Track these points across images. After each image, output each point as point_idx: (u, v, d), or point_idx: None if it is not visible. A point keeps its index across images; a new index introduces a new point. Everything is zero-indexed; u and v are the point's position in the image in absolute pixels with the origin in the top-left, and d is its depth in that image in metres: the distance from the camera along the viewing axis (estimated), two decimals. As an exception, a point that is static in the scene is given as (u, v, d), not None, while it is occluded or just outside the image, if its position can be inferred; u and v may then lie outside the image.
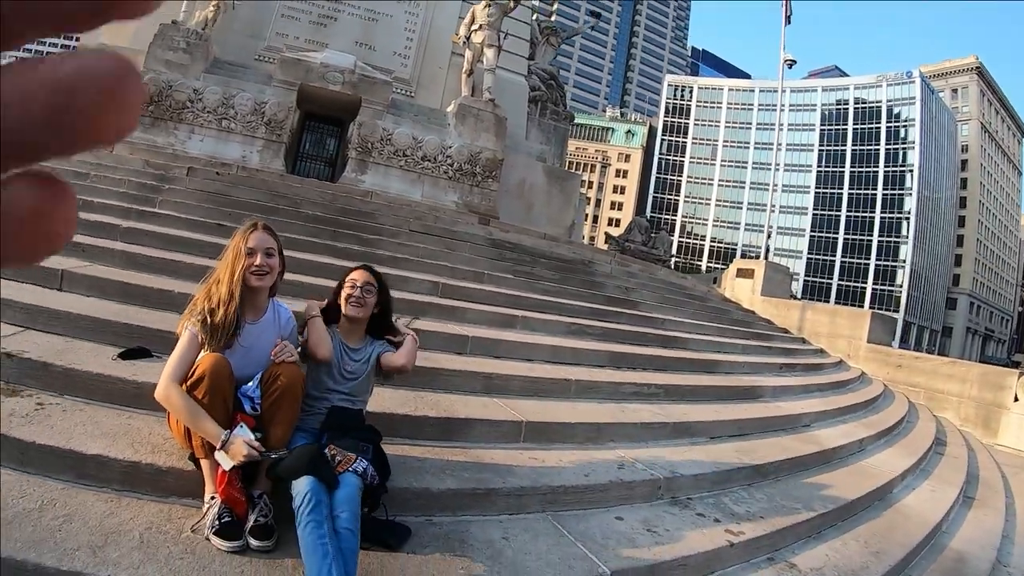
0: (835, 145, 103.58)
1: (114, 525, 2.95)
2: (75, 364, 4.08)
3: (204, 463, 3.15)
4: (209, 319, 3.28)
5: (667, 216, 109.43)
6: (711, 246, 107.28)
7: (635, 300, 11.77)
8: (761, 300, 17.50)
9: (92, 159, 10.74)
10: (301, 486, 2.90)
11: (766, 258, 23.66)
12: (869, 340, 15.61)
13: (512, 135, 18.11)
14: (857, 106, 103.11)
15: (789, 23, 24.96)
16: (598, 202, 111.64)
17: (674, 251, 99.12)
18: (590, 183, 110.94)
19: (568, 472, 4.58)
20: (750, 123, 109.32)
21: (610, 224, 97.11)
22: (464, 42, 17.48)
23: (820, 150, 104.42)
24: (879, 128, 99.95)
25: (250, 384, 3.34)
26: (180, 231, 7.99)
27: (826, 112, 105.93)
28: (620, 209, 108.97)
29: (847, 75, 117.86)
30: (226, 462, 3.01)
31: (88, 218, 7.58)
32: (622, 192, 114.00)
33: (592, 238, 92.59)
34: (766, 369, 10.36)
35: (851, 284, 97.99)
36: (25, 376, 3.98)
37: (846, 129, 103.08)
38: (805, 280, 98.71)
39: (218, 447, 3.03)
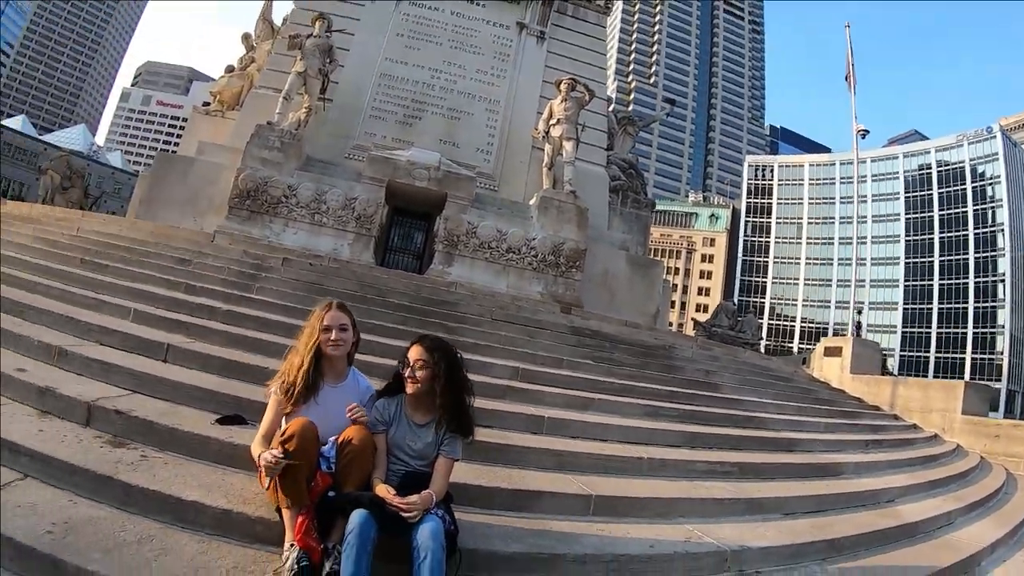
0: (921, 212, 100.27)
1: (204, 562, 3.39)
2: (178, 425, 4.67)
3: (285, 513, 3.54)
4: (286, 381, 3.91)
5: (755, 299, 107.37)
6: (801, 327, 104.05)
7: (715, 383, 11.61)
8: (851, 378, 17.03)
9: (195, 248, 11.71)
10: (354, 519, 3.31)
11: (856, 335, 23.00)
12: (964, 411, 14.90)
13: (594, 225, 18.42)
14: (940, 169, 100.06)
15: (854, 91, 24.81)
16: (685, 288, 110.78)
17: (763, 334, 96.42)
18: (676, 269, 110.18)
19: (634, 543, 4.66)
20: (833, 198, 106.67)
21: (698, 310, 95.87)
22: (543, 136, 18.06)
23: (907, 218, 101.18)
24: (964, 189, 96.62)
25: (327, 445, 3.75)
26: (275, 315, 8.61)
27: (909, 179, 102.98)
28: (707, 295, 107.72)
29: (927, 138, 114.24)
30: (265, 475, 3.55)
31: (192, 300, 8.49)
32: (709, 277, 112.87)
33: (681, 325, 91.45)
34: (850, 447, 10.12)
35: (949, 356, 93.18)
36: (132, 432, 4.60)
37: (931, 194, 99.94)
38: (901, 355, 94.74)
39: (256, 462, 3.61)
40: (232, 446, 4.53)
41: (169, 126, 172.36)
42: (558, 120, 17.75)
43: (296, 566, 3.30)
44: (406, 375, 3.95)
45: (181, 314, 7.84)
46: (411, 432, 3.97)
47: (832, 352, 18.38)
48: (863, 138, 25.26)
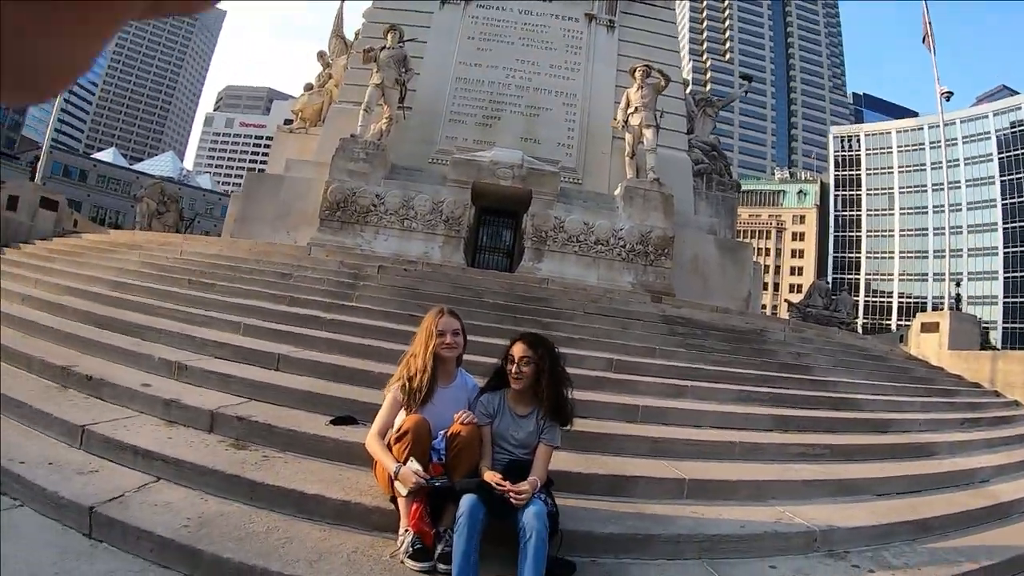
0: (1018, 173, 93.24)
1: (327, 548, 3.75)
2: (295, 427, 5.05)
3: (400, 502, 3.86)
4: (408, 384, 4.16)
5: (850, 276, 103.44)
6: (899, 302, 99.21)
7: (807, 365, 11.46)
8: (949, 355, 16.23)
9: (293, 262, 12.21)
10: (464, 503, 3.57)
11: (958, 309, 22.02)
12: None
13: (680, 211, 18.26)
14: None
15: (934, 52, 23.72)
16: (777, 269, 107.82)
17: (860, 311, 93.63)
18: (766, 250, 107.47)
19: (725, 523, 4.80)
20: (924, 165, 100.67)
21: (791, 291, 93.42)
22: (623, 126, 17.97)
23: (1002, 180, 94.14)
24: None
25: (437, 439, 4.07)
26: (376, 321, 9.00)
27: (1001, 138, 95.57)
28: (800, 274, 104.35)
29: (1016, 92, 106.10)
30: (401, 488, 3.77)
31: (296, 312, 8.94)
32: (800, 256, 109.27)
33: (775, 307, 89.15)
34: (945, 426, 9.84)
35: None
36: (252, 435, 5.00)
37: None
38: (1004, 328, 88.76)
39: (393, 477, 3.80)
40: (347, 444, 4.86)
41: (254, 145, 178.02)
42: (636, 108, 17.62)
43: (411, 548, 3.65)
44: (512, 371, 4.16)
45: (288, 325, 8.24)
46: (514, 423, 4.19)
47: (929, 328, 17.60)
48: (947, 100, 24.11)
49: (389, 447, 3.96)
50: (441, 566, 3.58)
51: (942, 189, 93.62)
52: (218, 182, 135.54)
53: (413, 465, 3.74)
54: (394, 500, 3.95)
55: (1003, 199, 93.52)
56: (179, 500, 3.98)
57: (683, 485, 5.30)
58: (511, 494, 3.63)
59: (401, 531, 3.78)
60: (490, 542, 3.56)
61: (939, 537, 5.50)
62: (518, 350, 4.18)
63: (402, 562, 3.65)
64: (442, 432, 4.08)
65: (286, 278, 10.97)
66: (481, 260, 17.96)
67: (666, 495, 5.20)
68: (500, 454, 4.13)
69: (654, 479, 5.31)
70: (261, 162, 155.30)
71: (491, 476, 3.82)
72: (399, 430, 3.95)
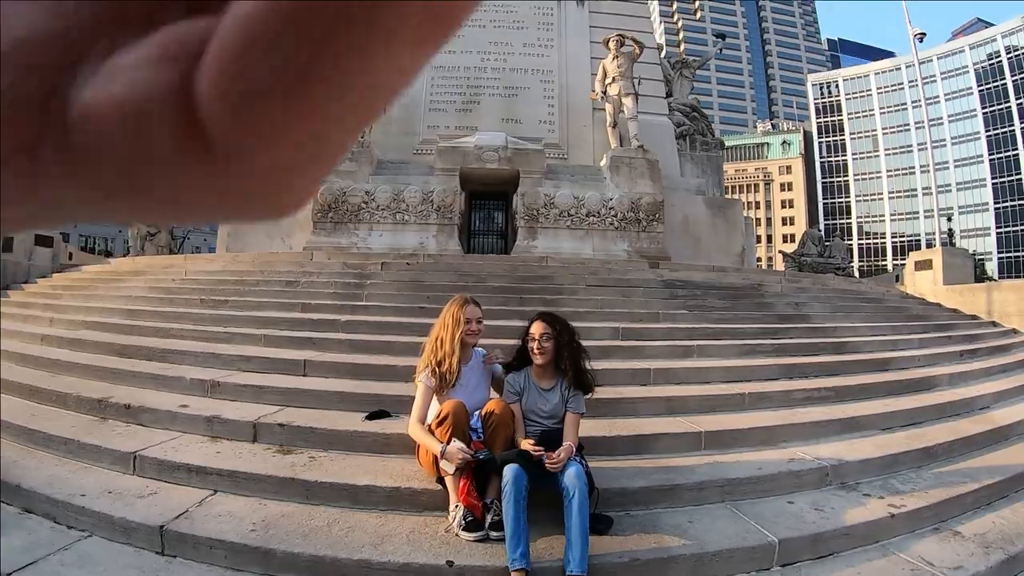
0: (998, 104, 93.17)
1: (386, 531, 4.09)
2: (334, 426, 5.36)
3: (448, 480, 4.18)
4: (438, 368, 4.48)
5: (842, 220, 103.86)
6: (893, 242, 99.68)
7: (805, 314, 11.81)
8: (944, 290, 16.48)
9: (297, 268, 12.44)
10: (508, 472, 3.86)
11: (951, 244, 22.25)
12: None
13: (667, 175, 18.45)
14: (1010, 56, 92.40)
15: None
16: (769, 221, 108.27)
17: (855, 254, 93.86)
18: (756, 203, 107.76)
19: (743, 467, 5.20)
20: (905, 104, 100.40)
21: (785, 241, 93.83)
22: (602, 96, 18.20)
23: (984, 113, 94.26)
24: None
25: (472, 419, 4.41)
26: (388, 317, 9.31)
27: (979, 71, 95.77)
28: (792, 224, 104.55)
29: (992, 24, 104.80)
30: (448, 467, 4.09)
31: (311, 317, 9.24)
32: (791, 205, 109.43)
33: (770, 259, 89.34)
34: (944, 359, 10.10)
35: None
36: (295, 439, 5.30)
37: (1004, 84, 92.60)
38: (999, 258, 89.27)
39: (439, 457, 4.10)
40: (385, 436, 5.22)
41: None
42: (613, 78, 17.84)
43: (464, 521, 3.98)
44: (534, 348, 4.49)
45: (306, 331, 8.48)
46: (540, 397, 4.51)
47: (922, 266, 17.85)
48: (920, 41, 24.30)
49: (430, 431, 4.27)
50: (493, 533, 3.91)
51: (924, 127, 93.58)
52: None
53: (457, 443, 4.06)
54: (440, 481, 4.28)
55: (986, 131, 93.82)
56: (240, 508, 4.26)
57: (700, 438, 5.65)
58: (548, 461, 3.95)
59: (451, 507, 4.11)
60: (533, 508, 3.85)
61: (944, 463, 5.83)
62: (537, 328, 4.51)
63: (457, 535, 3.97)
64: (477, 412, 4.44)
65: (294, 285, 11.19)
66: (476, 244, 18.21)
67: (685, 448, 5.54)
68: (532, 427, 4.42)
69: (673, 435, 5.65)
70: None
71: (527, 444, 4.12)
72: (439, 415, 4.25)
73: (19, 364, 7.92)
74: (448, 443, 4.09)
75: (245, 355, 7.37)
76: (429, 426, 4.32)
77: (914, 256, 18.83)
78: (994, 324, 14.53)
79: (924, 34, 24.22)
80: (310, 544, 3.84)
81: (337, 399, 6.07)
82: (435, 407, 4.43)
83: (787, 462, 5.30)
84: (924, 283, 17.44)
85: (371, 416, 5.60)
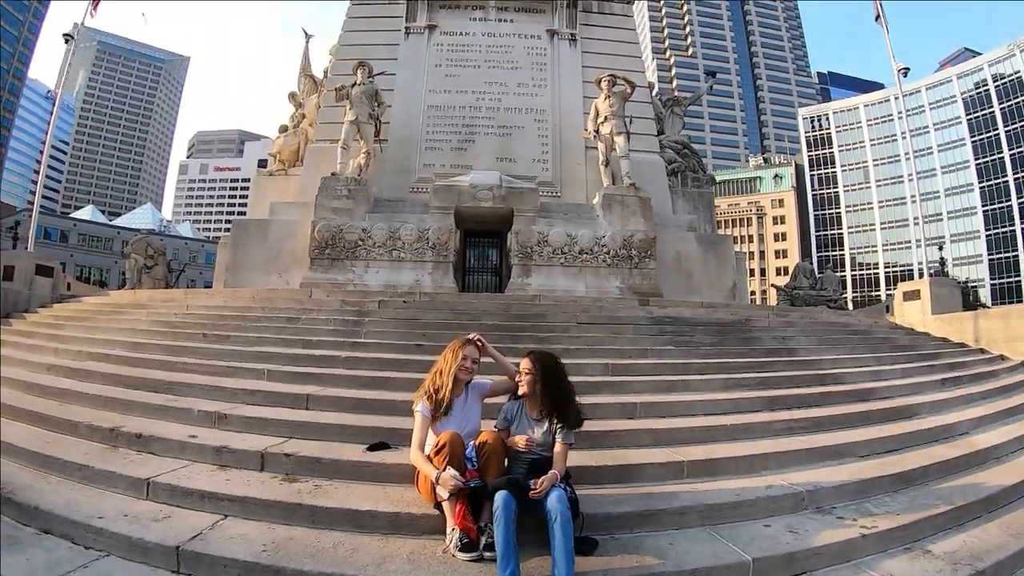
0: (986, 132, 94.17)
1: (388, 552, 4.45)
2: (338, 456, 5.78)
3: (445, 505, 4.56)
4: (435, 395, 5.04)
5: (835, 252, 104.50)
6: (886, 272, 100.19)
7: (791, 347, 12.00)
8: (933, 319, 16.74)
9: (297, 305, 12.83)
10: (498, 498, 4.24)
11: (943, 273, 22.52)
12: None
13: (659, 212, 18.90)
14: (997, 84, 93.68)
15: (887, 28, 24.35)
16: (762, 254, 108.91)
17: (848, 285, 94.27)
18: (749, 237, 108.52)
19: (723, 494, 5.50)
20: (895, 135, 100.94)
21: (778, 273, 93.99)
22: (595, 136, 18.61)
23: (973, 142, 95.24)
24: None
25: (468, 449, 4.76)
26: (386, 354, 9.63)
27: (967, 100, 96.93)
28: (785, 256, 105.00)
29: (979, 53, 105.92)
30: (443, 492, 4.49)
31: (311, 353, 9.63)
32: (784, 239, 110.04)
33: (764, 292, 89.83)
34: (926, 388, 10.31)
35: None
36: (300, 469, 5.66)
37: (992, 112, 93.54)
38: (992, 284, 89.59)
39: (435, 483, 4.51)
40: (385, 466, 5.58)
41: (231, 188, 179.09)
42: (605, 117, 18.31)
43: (460, 543, 4.35)
44: (518, 380, 5.05)
45: (307, 367, 8.84)
46: (529, 425, 4.96)
47: (911, 296, 18.14)
48: (904, 76, 24.81)
49: (429, 460, 4.66)
50: (487, 554, 4.26)
51: (916, 156, 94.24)
52: (199, 229, 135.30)
53: (451, 471, 4.45)
54: (438, 506, 4.65)
55: (976, 159, 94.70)
56: (251, 531, 4.56)
57: (683, 467, 5.95)
58: (532, 491, 4.33)
59: (448, 530, 4.49)
60: (526, 531, 4.21)
61: (919, 487, 6.11)
62: (524, 365, 5.08)
63: (453, 555, 4.33)
64: (471, 442, 4.82)
65: (294, 322, 11.49)
66: (471, 282, 18.57)
67: (668, 477, 5.86)
68: (524, 455, 4.80)
69: (657, 464, 5.99)
70: (240, 204, 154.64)
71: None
72: (437, 444, 4.67)
73: (27, 392, 8.22)
74: (444, 470, 4.46)
75: (249, 389, 7.69)
76: (428, 455, 4.69)
77: (903, 287, 19.11)
78: (982, 351, 14.71)
79: (908, 69, 24.67)
80: (318, 563, 4.16)
81: (339, 431, 6.41)
82: (432, 438, 4.83)
83: (765, 488, 5.59)
84: (913, 313, 17.70)
85: (372, 448, 5.95)
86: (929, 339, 15.45)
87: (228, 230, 21.72)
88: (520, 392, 5.08)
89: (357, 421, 6.68)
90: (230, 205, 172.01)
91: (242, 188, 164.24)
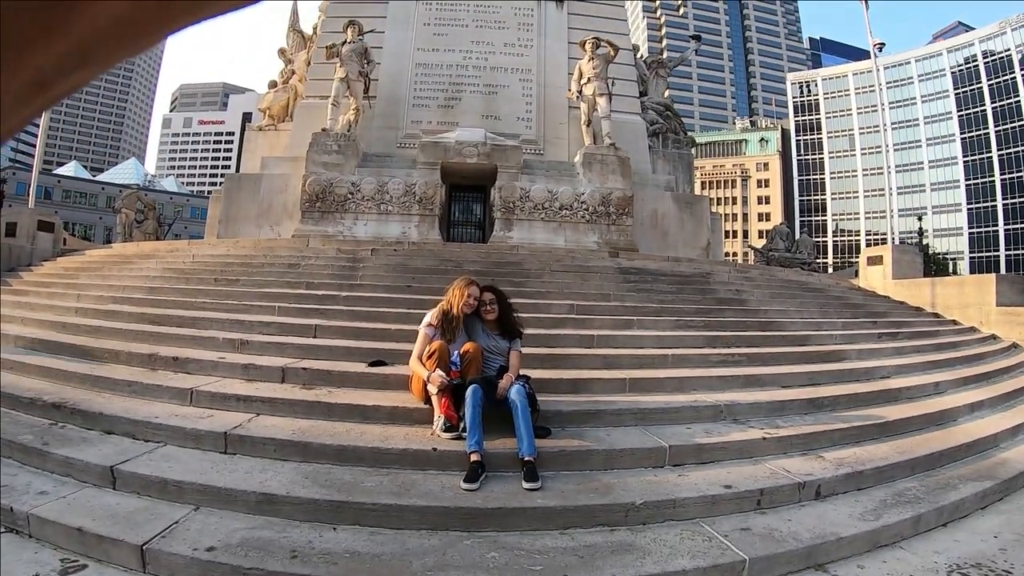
0: (973, 107, 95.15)
1: (389, 434, 5.62)
2: (345, 370, 7.07)
3: (433, 400, 5.73)
4: (444, 317, 6.16)
5: (818, 217, 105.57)
6: (867, 239, 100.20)
7: (744, 299, 12.86)
8: (894, 284, 17.50)
9: (297, 253, 13.75)
10: (469, 390, 5.41)
11: (921, 243, 23.32)
12: (999, 304, 15.09)
13: (638, 171, 19.71)
14: (987, 61, 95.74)
15: (866, 4, 25.02)
16: (746, 216, 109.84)
17: (829, 251, 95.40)
18: (733, 199, 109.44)
19: (655, 403, 6.70)
20: (883, 104, 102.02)
21: (760, 236, 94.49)
22: (578, 96, 19.40)
23: (959, 116, 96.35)
24: (1014, 79, 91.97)
25: (453, 356, 5.97)
26: (380, 293, 10.83)
27: (956, 75, 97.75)
28: (767, 220, 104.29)
29: (972, 28, 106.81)
30: (432, 388, 5.66)
31: (316, 293, 10.82)
32: (767, 202, 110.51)
33: (745, 253, 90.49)
34: (862, 339, 11.12)
35: (1019, 252, 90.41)
36: (315, 379, 6.86)
37: (980, 87, 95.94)
38: (971, 257, 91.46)
39: (427, 380, 5.71)
40: (384, 376, 6.89)
41: (215, 141, 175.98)
42: (588, 79, 18.96)
43: (444, 426, 5.56)
44: (483, 309, 6.29)
45: (312, 304, 10.02)
46: (491, 340, 6.26)
47: (875, 261, 18.96)
48: (880, 51, 25.49)
49: (422, 364, 5.86)
50: (464, 434, 5.37)
51: (902, 127, 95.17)
52: (183, 183, 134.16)
53: (439, 371, 5.67)
54: (428, 401, 5.86)
55: (961, 133, 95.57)
56: (280, 423, 5.72)
57: (625, 383, 7.21)
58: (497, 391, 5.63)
59: (435, 418, 5.69)
60: (495, 422, 5.40)
61: (828, 412, 7.14)
62: (486, 297, 6.31)
63: (438, 435, 5.55)
64: (457, 351, 5.98)
65: (295, 268, 12.57)
66: (455, 234, 19.38)
67: (613, 390, 7.08)
68: (492, 361, 6.12)
69: (604, 379, 7.29)
70: (224, 158, 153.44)
71: None
72: (429, 351, 5.87)
73: (62, 332, 9.09)
74: (434, 371, 5.65)
75: (264, 321, 8.90)
76: (421, 358, 5.88)
77: (867, 251, 20.06)
78: (936, 316, 15.49)
79: (883, 44, 25.61)
80: (336, 440, 5.35)
81: (344, 353, 7.66)
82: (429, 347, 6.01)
83: (691, 402, 6.79)
84: (875, 277, 18.60)
85: (372, 364, 7.23)
86: (887, 301, 16.32)
87: (216, 184, 22.28)
88: (489, 319, 6.27)
89: (359, 345, 7.93)
90: (214, 159, 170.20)
91: (226, 142, 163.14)
